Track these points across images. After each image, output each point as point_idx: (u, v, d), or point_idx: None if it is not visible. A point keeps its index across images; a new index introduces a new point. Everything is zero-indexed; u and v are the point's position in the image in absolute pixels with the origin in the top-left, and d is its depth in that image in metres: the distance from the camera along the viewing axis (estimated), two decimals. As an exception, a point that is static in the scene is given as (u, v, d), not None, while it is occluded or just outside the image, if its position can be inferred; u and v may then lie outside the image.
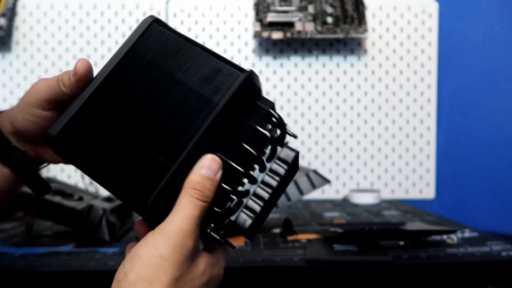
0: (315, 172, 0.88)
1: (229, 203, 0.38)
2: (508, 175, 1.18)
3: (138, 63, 0.40)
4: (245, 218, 0.38)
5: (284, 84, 1.25)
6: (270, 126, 0.40)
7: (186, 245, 0.35)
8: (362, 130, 1.26)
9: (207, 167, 0.36)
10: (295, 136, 0.41)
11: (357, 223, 0.86)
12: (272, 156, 0.40)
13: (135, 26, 1.26)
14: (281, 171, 0.39)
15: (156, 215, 0.37)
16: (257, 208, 0.38)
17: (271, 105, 0.39)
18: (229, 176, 0.38)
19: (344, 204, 1.13)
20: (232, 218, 0.38)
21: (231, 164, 0.38)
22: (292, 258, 0.62)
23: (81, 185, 1.07)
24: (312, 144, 1.26)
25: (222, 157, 0.37)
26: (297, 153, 0.40)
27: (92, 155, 0.38)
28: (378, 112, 1.26)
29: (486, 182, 1.21)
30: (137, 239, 0.39)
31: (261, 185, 0.39)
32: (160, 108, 0.38)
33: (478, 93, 1.23)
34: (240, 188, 0.39)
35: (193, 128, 0.37)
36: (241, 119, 0.38)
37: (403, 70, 1.26)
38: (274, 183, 0.39)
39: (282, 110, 1.24)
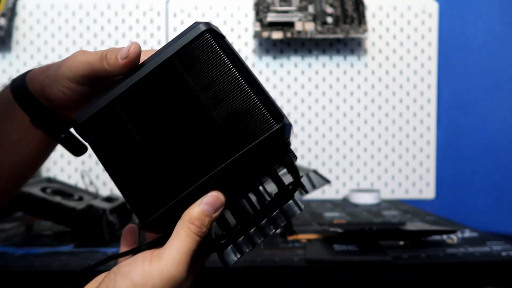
0: (315, 172, 0.88)
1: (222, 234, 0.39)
2: (508, 175, 1.18)
3: (174, 74, 0.38)
4: (230, 253, 0.39)
5: (284, 84, 1.25)
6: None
7: (179, 277, 0.36)
8: (362, 130, 1.26)
9: (209, 204, 0.37)
10: (307, 192, 0.41)
11: (357, 223, 0.86)
12: (277, 206, 0.40)
13: (135, 26, 1.28)
14: (279, 222, 0.39)
15: (154, 230, 0.38)
16: (246, 250, 0.39)
17: (296, 158, 0.39)
18: (234, 213, 0.39)
19: (344, 204, 1.13)
20: (224, 254, 0.39)
21: (236, 206, 0.39)
22: (292, 258, 0.62)
23: (81, 185, 1.07)
24: (312, 144, 1.26)
25: (226, 196, 0.37)
26: (301, 210, 0.40)
27: (112, 150, 0.39)
28: (378, 112, 1.26)
29: (486, 182, 1.21)
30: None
31: (256, 231, 0.39)
32: (182, 131, 0.37)
33: (478, 93, 1.23)
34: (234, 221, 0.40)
35: (208, 163, 0.36)
36: (261, 164, 0.38)
37: (403, 70, 1.26)
38: (269, 231, 0.39)
39: (282, 110, 1.24)
